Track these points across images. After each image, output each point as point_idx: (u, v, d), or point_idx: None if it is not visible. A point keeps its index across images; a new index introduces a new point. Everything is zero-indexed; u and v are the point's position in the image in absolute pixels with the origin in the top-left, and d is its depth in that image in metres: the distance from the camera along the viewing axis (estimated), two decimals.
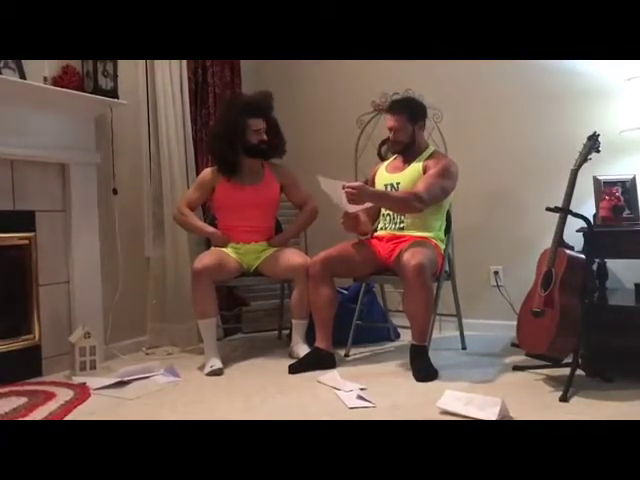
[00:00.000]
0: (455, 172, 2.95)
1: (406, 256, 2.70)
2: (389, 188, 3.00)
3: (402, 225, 2.98)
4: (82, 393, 2.58)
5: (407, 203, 2.80)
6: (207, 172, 3.33)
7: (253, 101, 3.35)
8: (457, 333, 3.30)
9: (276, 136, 3.33)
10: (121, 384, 2.70)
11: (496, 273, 3.61)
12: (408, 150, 3.01)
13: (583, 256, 2.52)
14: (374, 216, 3.13)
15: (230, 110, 3.33)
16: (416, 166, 2.98)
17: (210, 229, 3.27)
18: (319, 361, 2.88)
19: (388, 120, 3.00)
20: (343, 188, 2.64)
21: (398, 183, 2.98)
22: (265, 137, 3.21)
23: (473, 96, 3.64)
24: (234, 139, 3.19)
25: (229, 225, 3.25)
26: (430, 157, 2.99)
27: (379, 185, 3.06)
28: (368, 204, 2.75)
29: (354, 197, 2.64)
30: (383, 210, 3.08)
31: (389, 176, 3.05)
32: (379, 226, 3.11)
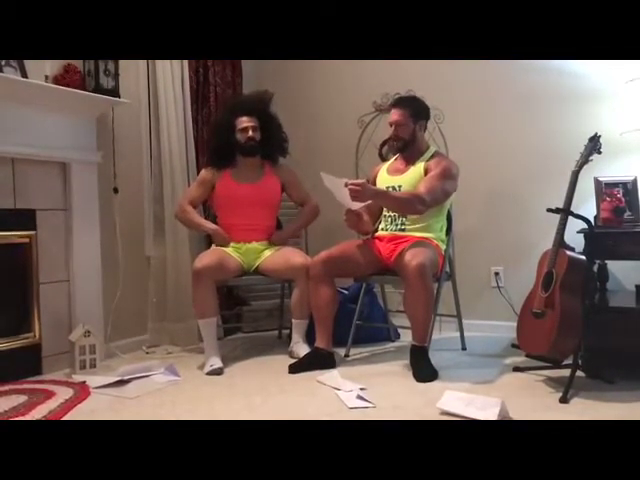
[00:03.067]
0: (456, 173, 2.95)
1: (407, 256, 2.69)
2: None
3: (403, 227, 2.98)
4: (82, 392, 2.58)
5: (409, 204, 2.80)
6: (207, 170, 3.35)
7: (243, 100, 3.43)
8: (457, 334, 3.30)
9: (274, 135, 3.35)
10: (121, 383, 2.69)
11: (497, 274, 3.61)
12: (407, 148, 3.01)
13: (584, 257, 2.52)
14: (375, 216, 3.13)
15: (222, 111, 3.47)
16: (417, 168, 2.97)
17: (212, 226, 3.27)
18: (319, 361, 2.88)
19: (391, 114, 2.99)
20: (346, 185, 2.63)
21: (400, 186, 2.97)
22: (252, 134, 3.22)
23: (475, 97, 3.64)
24: (224, 138, 3.27)
25: (229, 223, 3.26)
26: (431, 158, 2.99)
27: (382, 184, 3.06)
28: (370, 201, 2.75)
29: (357, 194, 2.63)
30: (384, 211, 3.08)
31: (390, 178, 3.05)
32: (380, 227, 3.11)
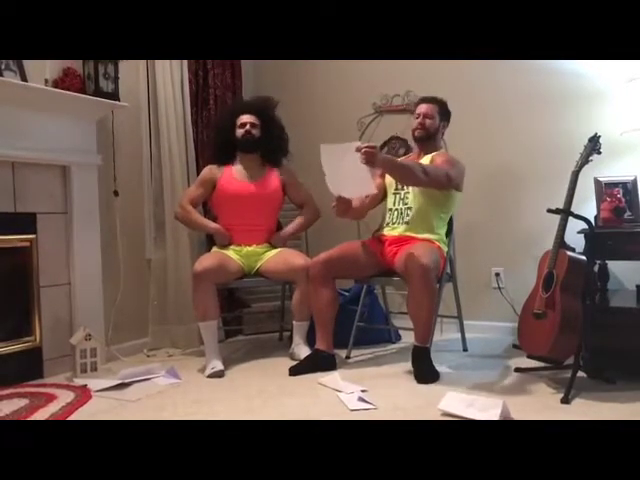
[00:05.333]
0: (461, 167, 2.98)
1: (410, 258, 2.68)
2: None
3: (407, 219, 2.96)
4: (83, 395, 2.58)
5: (412, 171, 2.74)
6: (208, 169, 3.38)
7: (246, 101, 3.53)
8: (458, 335, 3.29)
9: (274, 135, 3.39)
10: (122, 386, 2.69)
11: (497, 275, 3.61)
12: (426, 141, 3.05)
13: (584, 258, 2.52)
14: (372, 204, 3.13)
15: (223, 111, 3.59)
16: (425, 159, 3.00)
17: (213, 225, 3.29)
18: (319, 362, 2.88)
19: (420, 107, 3.07)
20: (358, 150, 2.54)
21: None
22: (249, 129, 3.29)
23: (475, 97, 3.64)
24: (224, 136, 3.34)
25: (230, 223, 3.27)
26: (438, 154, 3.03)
27: (390, 181, 3.08)
28: (370, 191, 2.74)
29: (369, 157, 2.54)
30: (390, 205, 3.08)
31: None
32: (385, 221, 3.09)
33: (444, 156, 3.00)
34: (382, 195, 3.13)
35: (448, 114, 3.12)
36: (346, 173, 2.62)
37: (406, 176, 2.83)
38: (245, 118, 3.30)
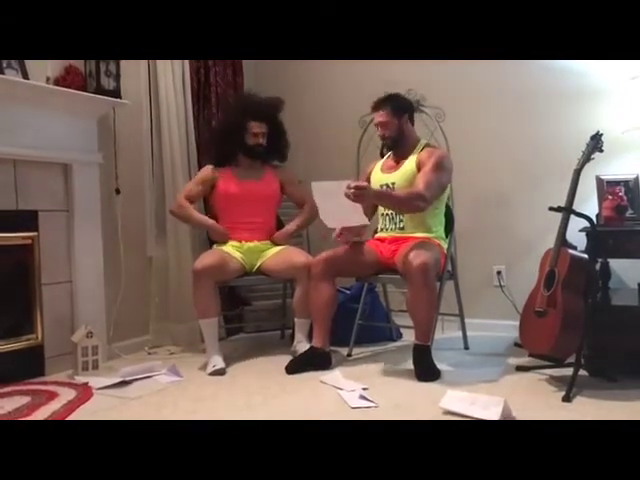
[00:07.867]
0: (449, 165, 2.93)
1: (410, 256, 2.68)
2: (384, 188, 2.97)
3: (402, 224, 2.97)
4: (84, 393, 2.58)
5: (410, 202, 2.78)
6: (208, 169, 3.38)
7: (260, 104, 3.44)
8: (460, 333, 3.29)
9: (278, 141, 3.43)
10: (123, 384, 2.70)
11: (499, 273, 3.60)
12: (398, 144, 3.01)
13: (586, 256, 2.51)
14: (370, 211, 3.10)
15: (235, 109, 3.50)
16: (409, 163, 2.96)
17: (210, 221, 3.28)
18: (314, 360, 2.88)
19: (375, 118, 3.02)
20: (349, 187, 2.56)
21: (393, 183, 2.96)
22: (261, 141, 3.30)
23: (476, 96, 3.63)
24: (232, 137, 3.33)
25: (232, 222, 3.28)
26: (422, 150, 2.97)
27: (374, 185, 3.01)
28: (362, 222, 2.73)
29: (358, 197, 2.57)
30: (381, 210, 3.08)
31: (384, 176, 3.04)
32: (379, 227, 3.11)
33: (430, 156, 2.89)
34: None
35: (403, 106, 3.01)
36: (338, 208, 2.64)
37: (403, 208, 2.86)
38: (257, 127, 3.29)
